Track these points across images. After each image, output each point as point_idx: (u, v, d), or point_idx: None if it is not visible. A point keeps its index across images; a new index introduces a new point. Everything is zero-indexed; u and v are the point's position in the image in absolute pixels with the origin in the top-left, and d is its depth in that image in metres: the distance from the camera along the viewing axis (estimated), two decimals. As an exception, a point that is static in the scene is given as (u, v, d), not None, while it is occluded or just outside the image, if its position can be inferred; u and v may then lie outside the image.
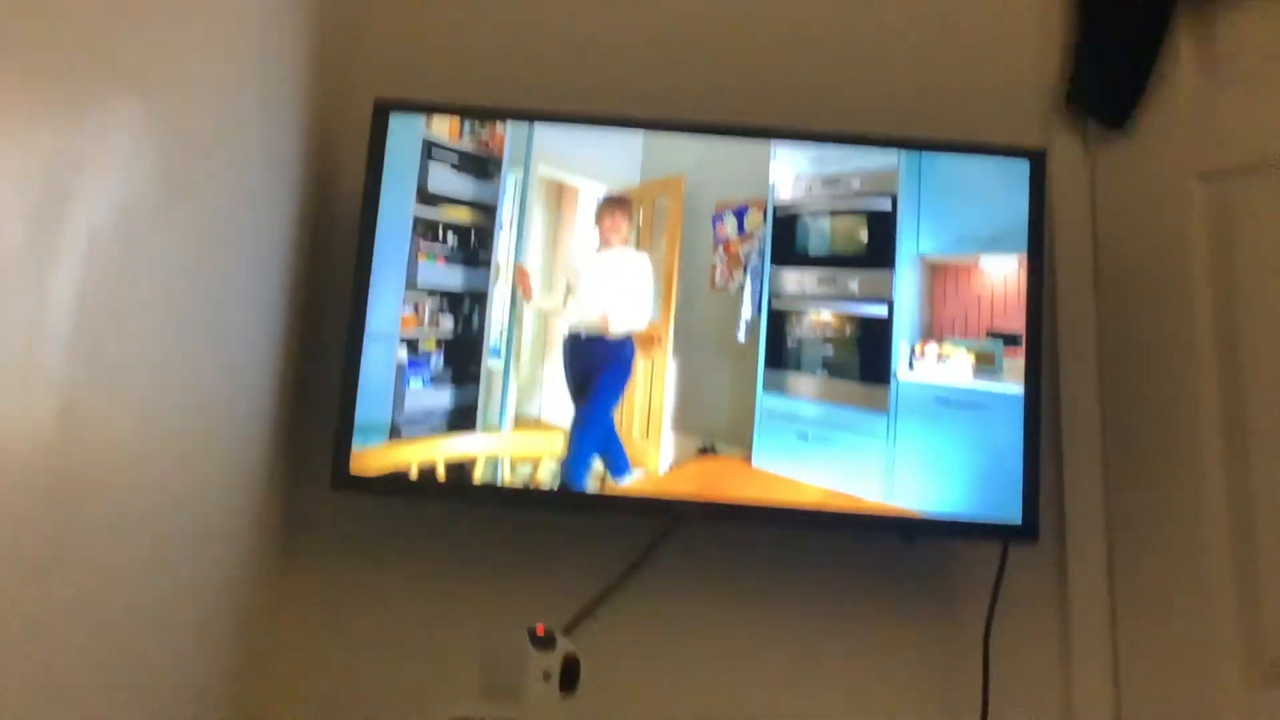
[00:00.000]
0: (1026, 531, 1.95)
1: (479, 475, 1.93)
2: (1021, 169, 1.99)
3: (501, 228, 1.99)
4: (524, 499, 1.96)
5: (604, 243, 2.00)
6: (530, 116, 2.02)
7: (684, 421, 1.94)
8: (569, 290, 2.00)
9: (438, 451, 1.94)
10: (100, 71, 1.34)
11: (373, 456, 1.93)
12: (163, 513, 1.56)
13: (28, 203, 1.21)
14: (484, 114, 2.02)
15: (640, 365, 1.95)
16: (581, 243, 2.00)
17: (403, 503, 2.02)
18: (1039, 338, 1.97)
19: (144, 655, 1.53)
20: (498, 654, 1.81)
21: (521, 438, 1.95)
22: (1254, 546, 1.87)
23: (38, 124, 1.22)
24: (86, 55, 1.30)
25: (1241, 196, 2.00)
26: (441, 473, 1.93)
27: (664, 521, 2.02)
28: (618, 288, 1.98)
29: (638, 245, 1.96)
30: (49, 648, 1.29)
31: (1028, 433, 1.94)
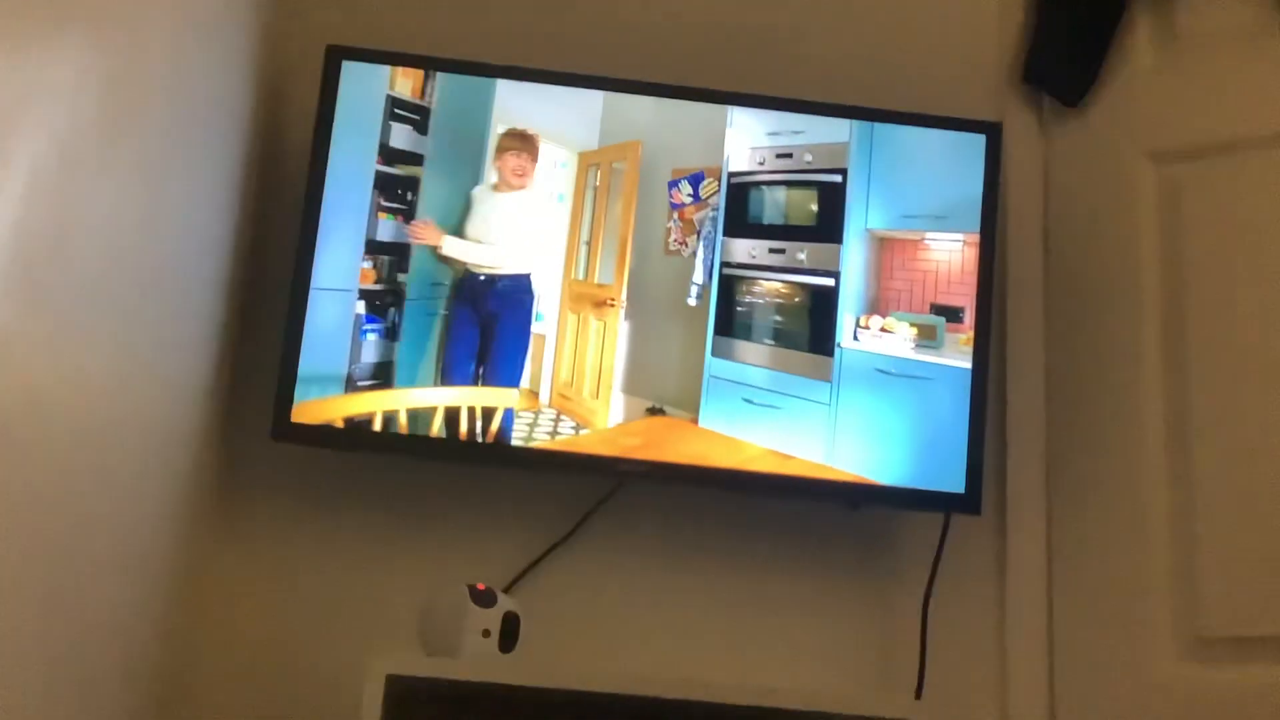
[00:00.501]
0: (969, 503, 1.96)
1: (436, 427, 1.91)
2: (973, 145, 2.00)
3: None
4: (465, 453, 1.95)
5: (503, 184, 1.98)
6: (491, 72, 2.00)
7: (633, 383, 1.94)
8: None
9: (398, 402, 1.92)
10: (46, 5, 1.30)
11: (326, 407, 1.91)
12: (98, 450, 1.53)
13: (-34, 130, 1.18)
14: (442, 65, 2.00)
15: (593, 325, 1.94)
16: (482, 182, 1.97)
17: (347, 455, 2.00)
18: (989, 311, 1.98)
19: (71, 596, 1.51)
20: (437, 610, 1.80)
21: (481, 391, 1.93)
22: (1191, 523, 1.90)
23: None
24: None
25: (1192, 178, 2.02)
26: (403, 422, 1.91)
27: (610, 481, 2.02)
28: (512, 230, 1.97)
29: (591, 228, 1.95)
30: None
31: (974, 406, 1.96)
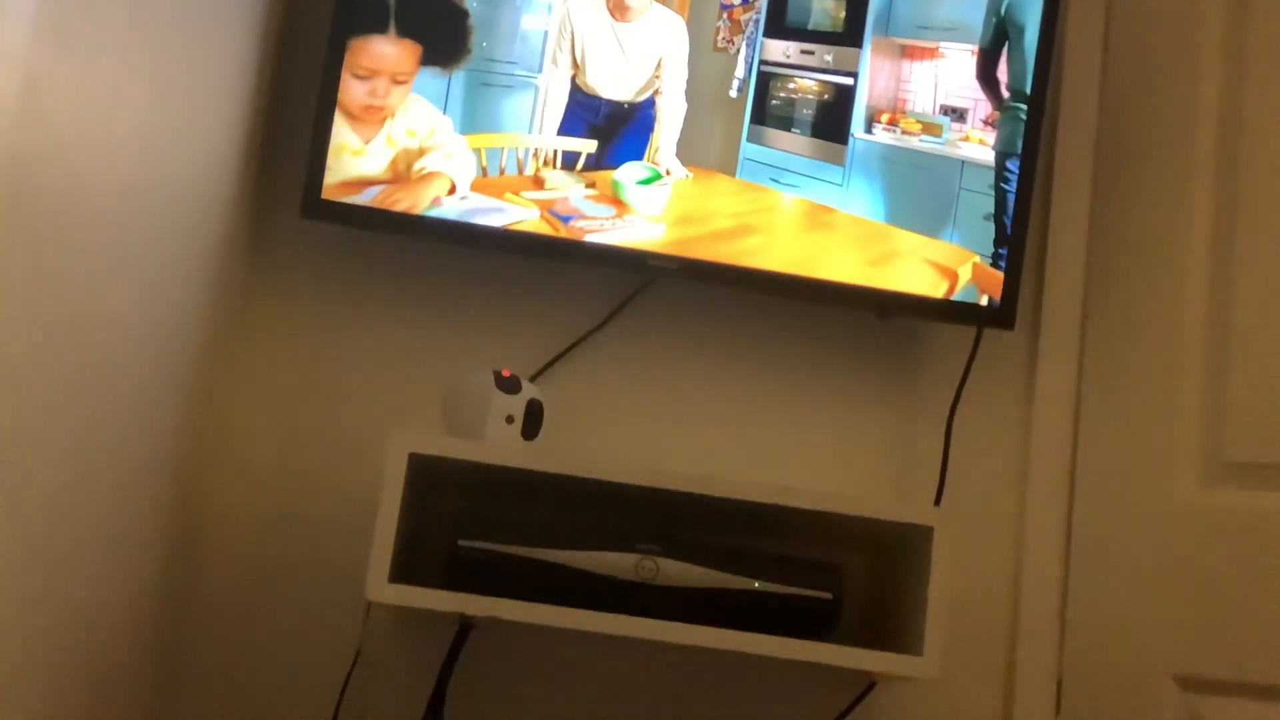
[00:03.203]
0: (1002, 317, 1.94)
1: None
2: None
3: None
4: (498, 241, 1.92)
5: (618, 11, 1.97)
6: None
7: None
8: (577, 66, 1.96)
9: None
10: None
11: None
12: (127, 207, 1.51)
13: None
14: None
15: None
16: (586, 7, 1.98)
17: (381, 237, 1.98)
18: (1042, 101, 1.95)
19: (95, 365, 1.51)
20: (462, 393, 1.81)
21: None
22: (1226, 354, 1.86)
23: None
24: None
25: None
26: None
27: (640, 276, 2.00)
28: (643, 62, 1.98)
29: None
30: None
31: (1017, 215, 1.93)
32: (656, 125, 1.97)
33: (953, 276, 1.96)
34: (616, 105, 1.97)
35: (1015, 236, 1.95)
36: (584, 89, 1.97)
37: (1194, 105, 1.96)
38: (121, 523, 1.66)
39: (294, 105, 1.99)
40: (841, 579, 1.76)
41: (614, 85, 1.97)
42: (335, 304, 2.02)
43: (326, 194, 1.88)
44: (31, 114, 1.25)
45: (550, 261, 2.00)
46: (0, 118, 1.20)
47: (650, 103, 1.98)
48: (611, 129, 1.97)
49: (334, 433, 1.98)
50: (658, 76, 1.98)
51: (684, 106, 1.98)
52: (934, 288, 1.95)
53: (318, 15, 1.95)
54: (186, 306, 1.78)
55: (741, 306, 2.05)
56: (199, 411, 1.89)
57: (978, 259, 1.96)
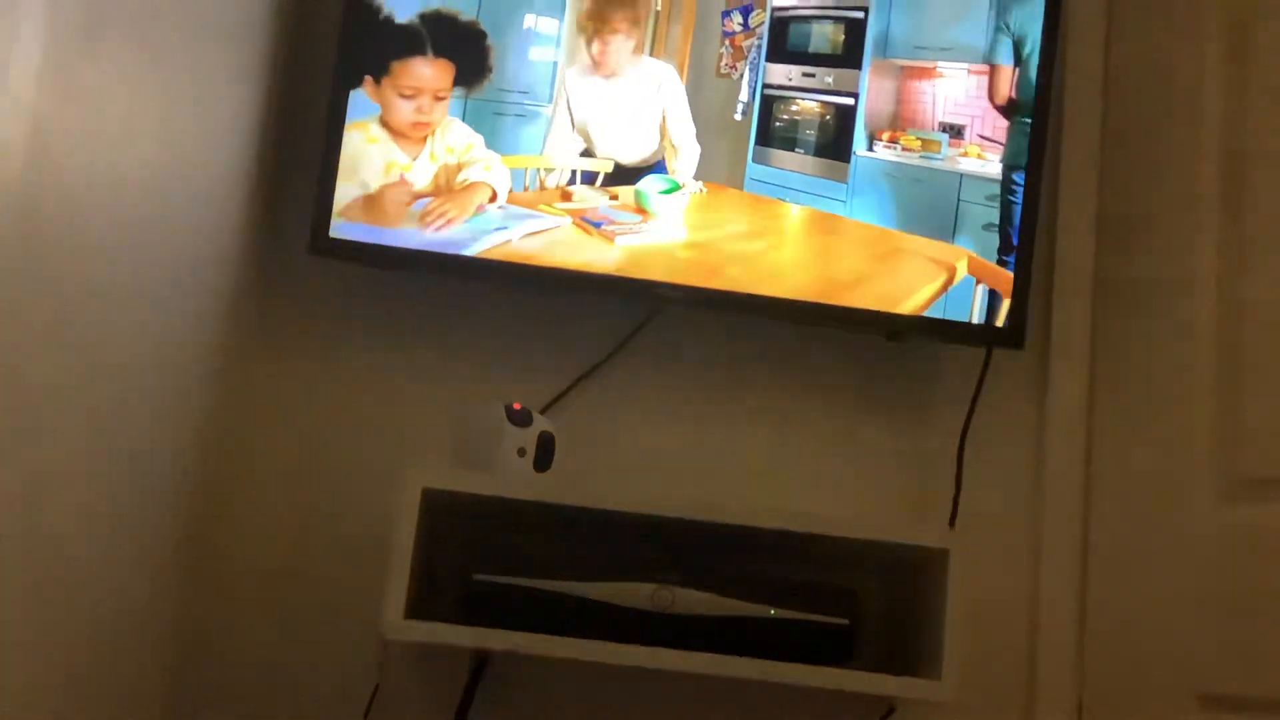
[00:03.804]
0: (1012, 337, 1.94)
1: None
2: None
3: None
4: (504, 273, 1.92)
5: (601, 68, 2.01)
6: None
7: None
8: (587, 139, 2.01)
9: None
10: None
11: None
12: (136, 252, 1.52)
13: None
14: None
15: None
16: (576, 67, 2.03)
17: (385, 272, 1.98)
18: (1045, 119, 1.95)
19: (112, 402, 1.51)
20: (473, 427, 1.81)
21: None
22: (1239, 366, 1.85)
23: None
24: None
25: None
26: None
27: (648, 305, 2.00)
28: (645, 120, 2.03)
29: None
30: (15, 389, 1.26)
31: (1022, 234, 1.94)
32: (670, 167, 2.02)
33: (950, 269, 1.99)
34: (629, 169, 2.02)
35: (1021, 257, 1.95)
36: (595, 156, 2.01)
37: (1197, 124, 1.96)
38: (139, 555, 1.66)
39: (304, 137, 1.99)
40: (857, 604, 1.75)
41: (623, 149, 2.01)
42: (345, 336, 2.02)
43: (372, 206, 1.92)
44: (39, 157, 1.25)
45: (557, 292, 2.00)
46: (9, 161, 1.21)
47: (662, 164, 2.02)
48: (628, 177, 2.01)
49: (347, 465, 1.97)
50: (664, 136, 2.01)
51: (698, 150, 2.01)
52: (933, 278, 1.98)
53: (325, 48, 1.96)
54: (200, 339, 1.79)
55: (750, 332, 2.05)
56: (215, 443, 1.89)
57: (972, 252, 1.99)
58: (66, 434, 1.39)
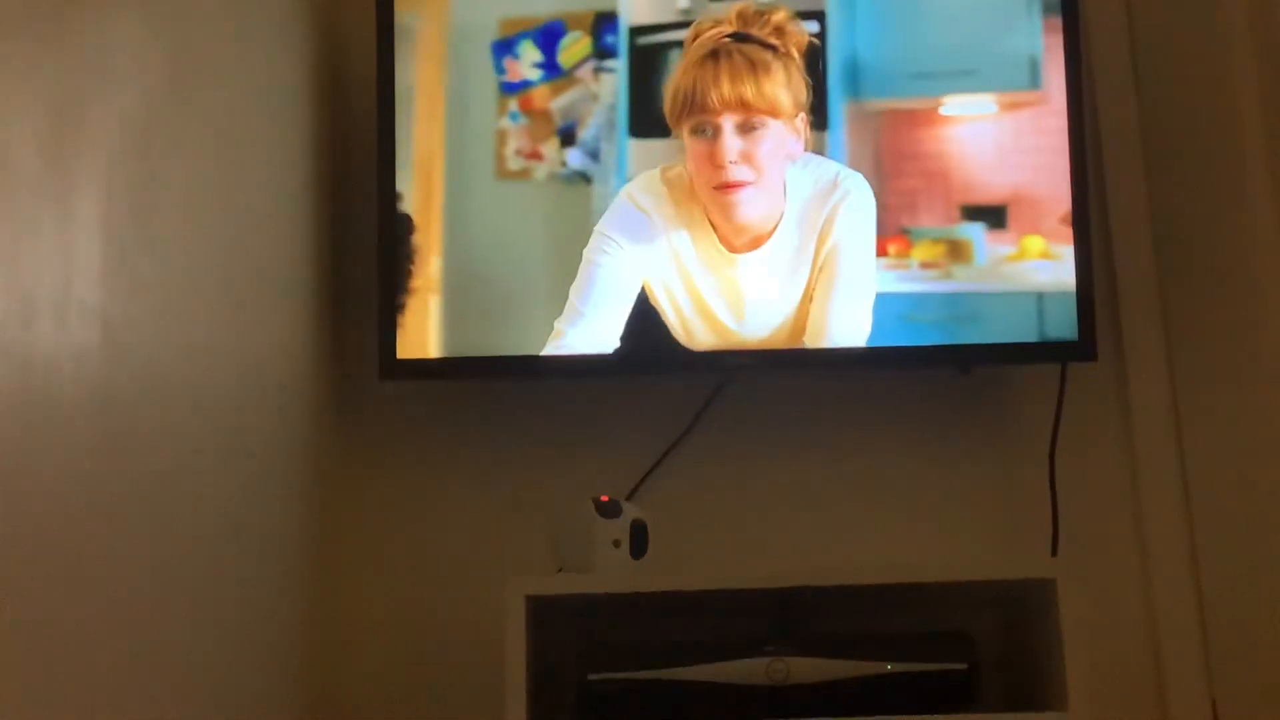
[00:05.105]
0: (1084, 350, 1.92)
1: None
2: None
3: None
4: (572, 367, 1.94)
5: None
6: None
7: None
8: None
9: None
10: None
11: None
12: (216, 425, 1.56)
13: (40, 133, 1.18)
14: None
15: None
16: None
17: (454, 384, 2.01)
18: (1083, 147, 1.89)
19: (212, 573, 1.55)
20: (565, 527, 1.83)
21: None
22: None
23: (36, 53, 1.19)
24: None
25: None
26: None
27: (717, 377, 2.01)
28: None
29: None
30: (112, 578, 1.29)
31: (1078, 250, 1.89)
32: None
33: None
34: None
35: (1081, 264, 1.90)
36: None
37: (1235, 106, 1.94)
38: (261, 690, 1.70)
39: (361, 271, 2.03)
40: (973, 647, 1.74)
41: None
42: (425, 451, 2.05)
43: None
44: (113, 353, 1.30)
45: (627, 377, 2.02)
46: (87, 366, 1.25)
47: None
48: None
49: (446, 587, 2.00)
50: None
51: None
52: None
53: (367, 182, 1.99)
54: (289, 488, 1.83)
55: (819, 387, 2.04)
56: (319, 586, 1.92)
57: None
58: (175, 608, 1.42)
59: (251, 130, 1.73)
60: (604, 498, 1.82)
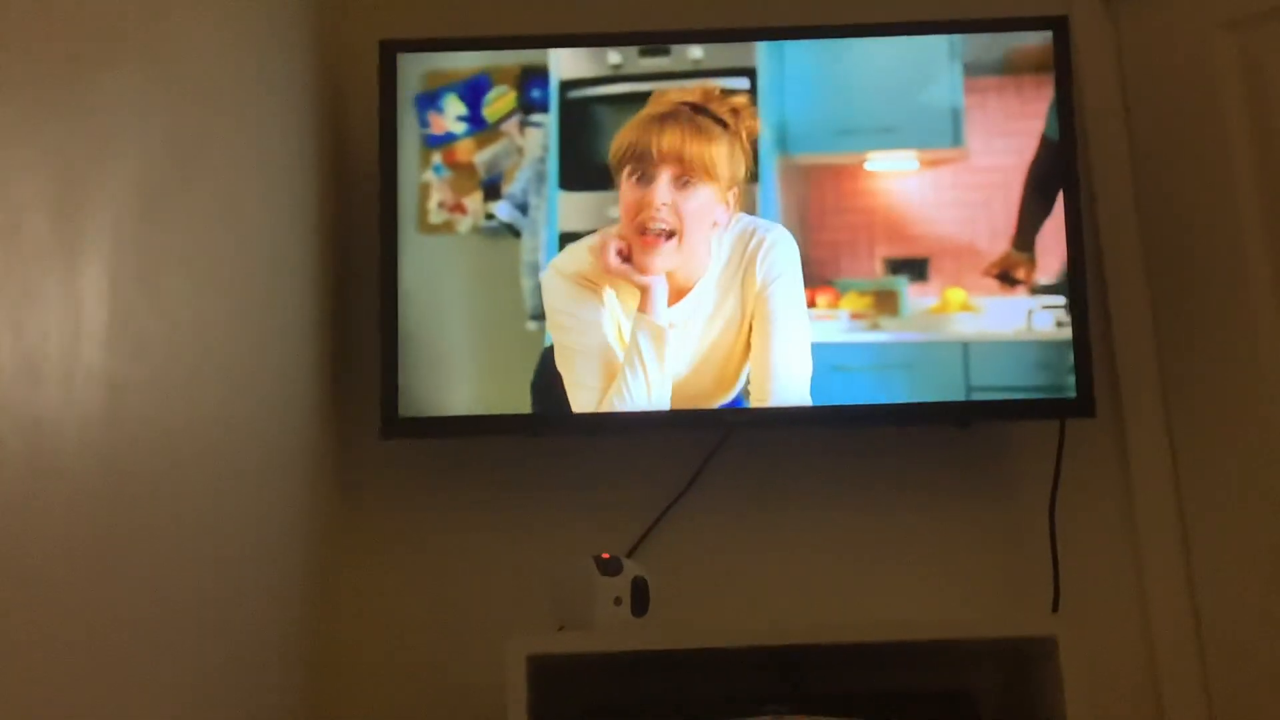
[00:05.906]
0: (1082, 406, 1.93)
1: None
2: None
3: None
4: (571, 424, 1.95)
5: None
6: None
7: None
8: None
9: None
10: (97, 54, 1.31)
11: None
12: (219, 488, 1.57)
13: (46, 197, 1.20)
14: (498, 44, 1.87)
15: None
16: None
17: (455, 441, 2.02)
18: (1078, 205, 1.93)
19: (213, 632, 1.55)
20: (566, 584, 1.82)
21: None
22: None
23: (42, 117, 1.20)
24: (80, 38, 1.28)
25: (1268, 42, 1.95)
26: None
27: (715, 431, 2.02)
28: None
29: None
30: (115, 642, 1.30)
31: (1075, 307, 1.92)
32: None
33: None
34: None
35: (1078, 322, 1.93)
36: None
37: (1230, 169, 1.96)
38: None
39: (362, 333, 2.04)
40: (975, 705, 1.74)
41: None
42: (425, 511, 2.05)
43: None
44: (117, 414, 1.30)
45: (627, 434, 2.03)
46: (89, 431, 1.26)
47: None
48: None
49: (446, 644, 2.00)
50: None
51: None
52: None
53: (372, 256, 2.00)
54: (292, 543, 1.83)
55: (818, 442, 2.05)
56: (319, 642, 1.92)
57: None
58: (174, 669, 1.42)
59: (258, 186, 1.75)
60: (605, 555, 1.82)
